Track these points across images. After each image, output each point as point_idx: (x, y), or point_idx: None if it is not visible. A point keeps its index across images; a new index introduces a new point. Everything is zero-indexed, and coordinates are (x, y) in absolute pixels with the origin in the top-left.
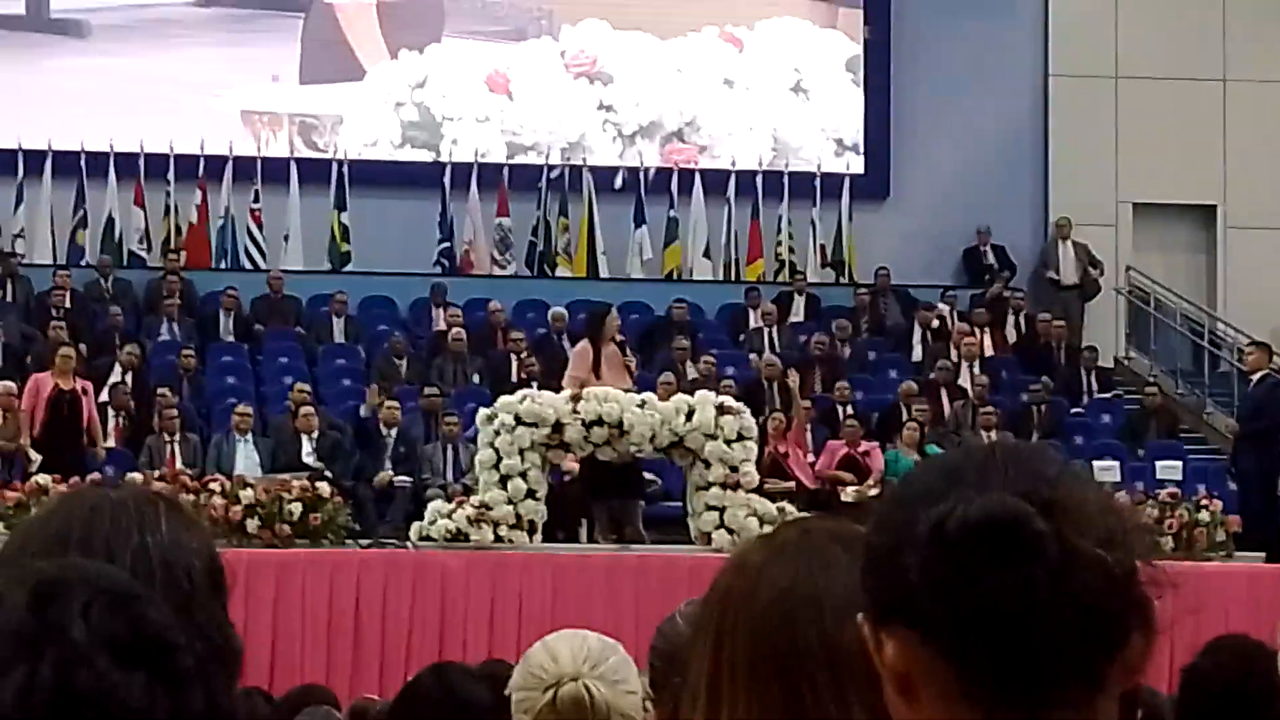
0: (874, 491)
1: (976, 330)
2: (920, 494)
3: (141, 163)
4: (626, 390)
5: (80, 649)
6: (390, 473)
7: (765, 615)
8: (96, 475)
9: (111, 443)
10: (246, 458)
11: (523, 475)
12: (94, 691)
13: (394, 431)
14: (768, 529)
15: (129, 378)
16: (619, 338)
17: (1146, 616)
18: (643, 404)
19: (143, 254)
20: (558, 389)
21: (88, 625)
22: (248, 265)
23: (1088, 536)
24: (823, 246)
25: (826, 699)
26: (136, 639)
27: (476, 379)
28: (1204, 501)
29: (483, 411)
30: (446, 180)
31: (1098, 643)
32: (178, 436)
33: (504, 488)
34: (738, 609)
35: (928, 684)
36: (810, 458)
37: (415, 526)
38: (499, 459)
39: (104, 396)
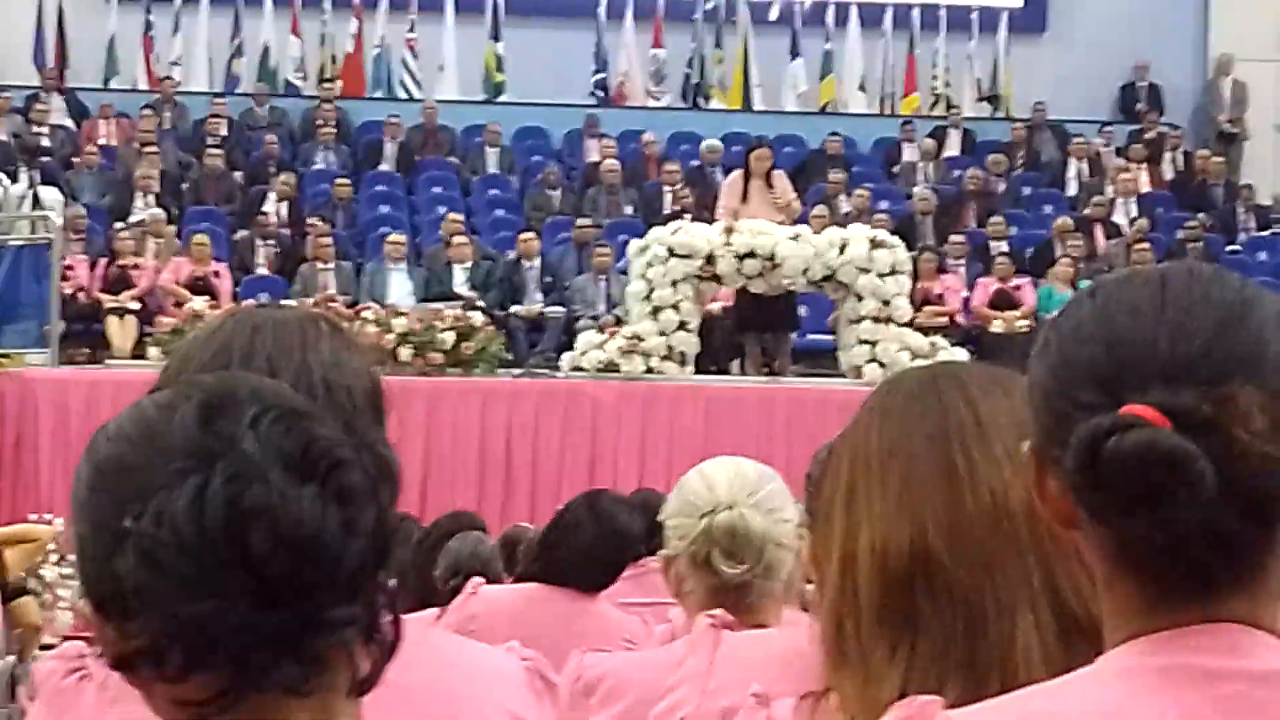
0: (1022, 324)
1: (1133, 166)
2: (1078, 359)
3: None
4: (780, 224)
5: (252, 462)
6: (539, 304)
7: (907, 403)
8: (254, 301)
9: (264, 271)
10: (399, 287)
11: (674, 307)
12: (266, 505)
13: (535, 263)
14: (919, 363)
15: (283, 206)
16: (775, 172)
17: None
18: (796, 237)
19: (298, 83)
20: (710, 221)
21: (258, 439)
22: (402, 95)
23: (1257, 420)
24: (979, 80)
25: (980, 461)
26: (307, 454)
27: (629, 210)
28: None
29: (635, 243)
30: (601, 11)
31: (1262, 530)
32: (331, 265)
33: (655, 319)
34: (873, 416)
35: (1087, 537)
36: (963, 293)
37: (566, 357)
38: (651, 290)
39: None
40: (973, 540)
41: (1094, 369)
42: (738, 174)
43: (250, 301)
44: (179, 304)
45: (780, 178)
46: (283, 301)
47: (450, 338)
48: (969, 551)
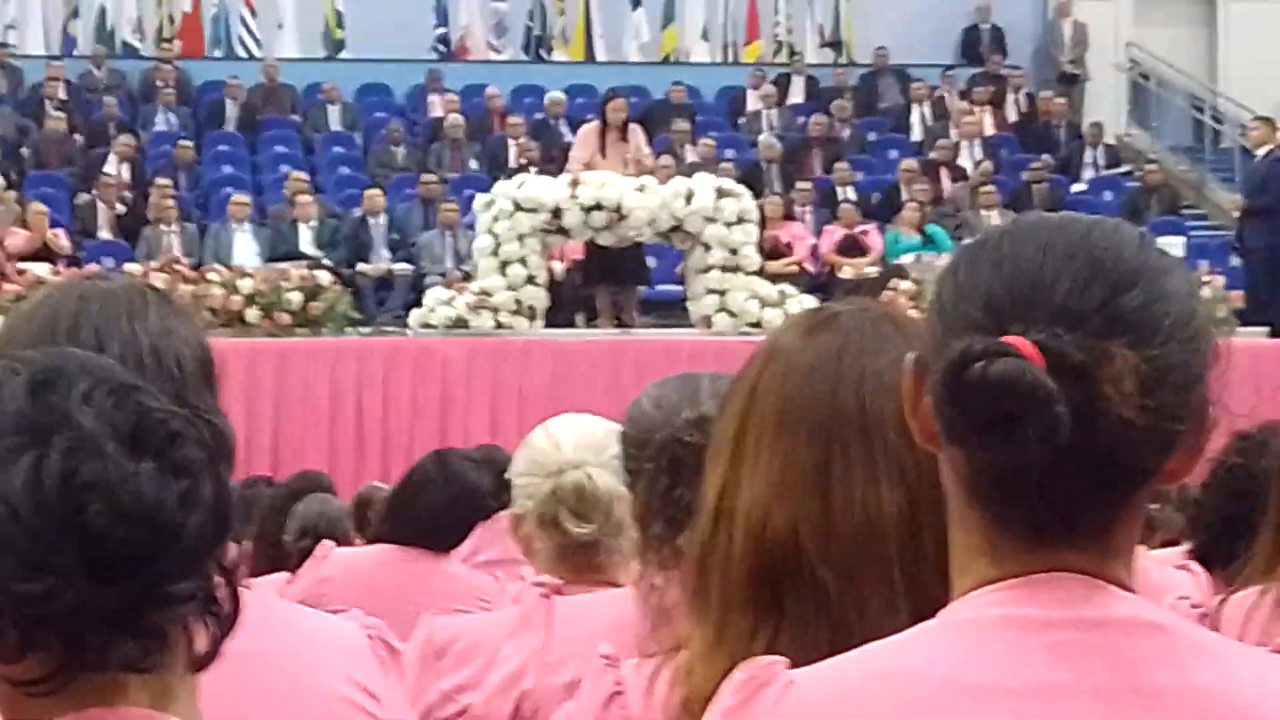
0: (871, 269)
1: (976, 109)
2: (978, 277)
3: None
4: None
5: (88, 436)
6: (386, 262)
7: (806, 375)
8: (94, 267)
9: (107, 235)
10: (245, 247)
11: (522, 261)
12: (104, 479)
13: (381, 220)
14: (768, 311)
15: (125, 169)
16: (631, 126)
17: (1196, 436)
18: (642, 188)
19: (136, 44)
20: (556, 174)
21: (92, 413)
22: (242, 54)
23: (1128, 384)
24: (821, 26)
25: (856, 468)
26: (141, 427)
27: (474, 165)
28: (1205, 278)
29: (480, 198)
30: None
31: (1111, 492)
32: (175, 227)
33: (503, 274)
34: (776, 370)
35: (947, 459)
36: (811, 240)
37: (415, 314)
38: (498, 245)
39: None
40: (843, 549)
41: (990, 291)
42: (593, 125)
43: (91, 266)
44: (21, 271)
45: (635, 132)
46: (126, 265)
47: (297, 297)
48: (838, 560)
